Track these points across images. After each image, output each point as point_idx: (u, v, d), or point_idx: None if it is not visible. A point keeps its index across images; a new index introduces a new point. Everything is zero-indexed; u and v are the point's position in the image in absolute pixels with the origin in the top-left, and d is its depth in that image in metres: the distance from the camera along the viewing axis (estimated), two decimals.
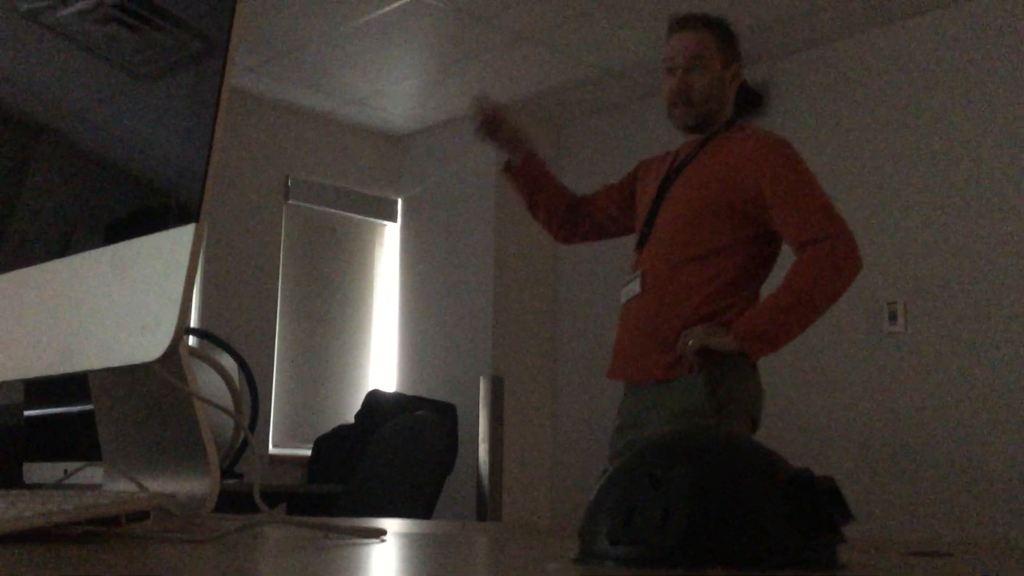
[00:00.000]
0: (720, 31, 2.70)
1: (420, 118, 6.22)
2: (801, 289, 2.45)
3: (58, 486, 1.15)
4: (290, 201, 6.07)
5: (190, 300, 0.79)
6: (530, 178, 2.93)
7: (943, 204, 4.56)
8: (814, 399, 4.84)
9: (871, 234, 4.78)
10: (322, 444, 5.62)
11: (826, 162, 4.99)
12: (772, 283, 2.59)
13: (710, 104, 2.66)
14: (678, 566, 0.57)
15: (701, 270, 2.55)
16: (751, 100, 5.22)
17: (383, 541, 0.80)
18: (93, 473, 1.48)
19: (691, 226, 2.57)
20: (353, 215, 6.36)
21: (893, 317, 4.63)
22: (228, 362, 3.22)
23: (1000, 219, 4.39)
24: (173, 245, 0.81)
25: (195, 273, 0.79)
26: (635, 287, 2.64)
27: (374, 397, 5.66)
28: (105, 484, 1.06)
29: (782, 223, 2.51)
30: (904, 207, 4.68)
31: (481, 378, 4.84)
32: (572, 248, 6.02)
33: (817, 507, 0.59)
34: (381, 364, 6.36)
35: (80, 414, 1.96)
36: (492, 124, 2.86)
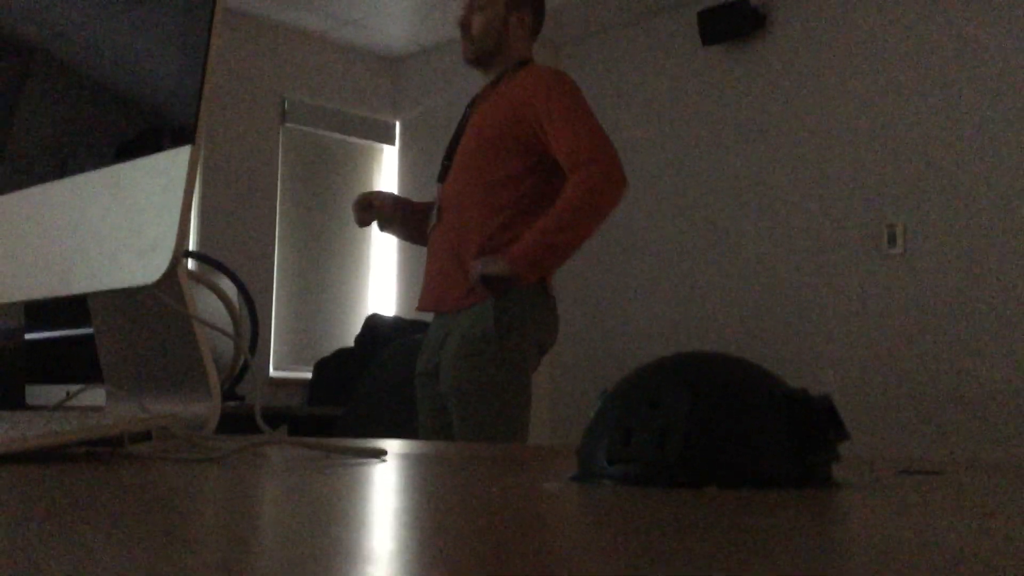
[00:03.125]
0: None
1: (418, 40, 6.15)
2: (565, 212, 2.60)
3: (60, 408, 1.16)
4: (287, 124, 6.03)
5: (188, 223, 0.78)
6: (407, 228, 3.03)
7: (941, 127, 4.53)
8: (813, 319, 4.86)
9: (870, 158, 4.76)
10: (322, 367, 5.65)
11: (825, 83, 4.94)
12: None
13: (486, 41, 2.85)
14: (675, 484, 0.57)
15: (491, 199, 2.71)
16: (753, 21, 5.16)
17: (384, 461, 0.81)
18: (95, 395, 1.49)
19: (481, 157, 2.75)
20: (351, 138, 6.32)
21: (892, 239, 4.63)
22: (227, 285, 3.23)
23: (998, 142, 4.37)
24: (170, 167, 0.80)
25: (192, 196, 0.78)
26: (434, 218, 2.85)
27: (374, 320, 5.69)
28: (107, 406, 1.07)
29: (556, 149, 2.67)
30: (902, 130, 4.65)
31: None
32: None
33: (813, 426, 0.59)
34: (380, 288, 6.37)
35: (81, 336, 1.96)
36: (376, 214, 2.94)
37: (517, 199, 2.72)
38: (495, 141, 2.74)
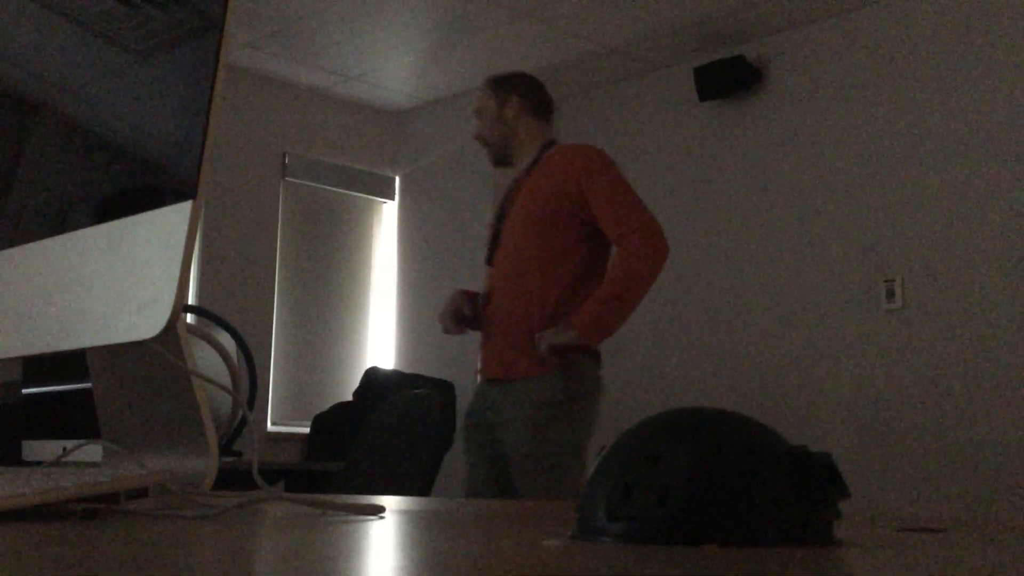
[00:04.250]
0: (493, 83, 3.28)
1: (418, 95, 6.20)
2: (618, 282, 2.90)
3: (57, 463, 1.15)
4: (287, 178, 6.06)
5: (188, 277, 0.78)
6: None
7: (940, 181, 4.56)
8: (812, 375, 4.85)
9: (867, 212, 4.78)
10: (320, 421, 5.63)
11: (822, 138, 4.98)
12: None
13: (496, 140, 3.22)
14: (676, 542, 0.57)
15: (549, 272, 2.98)
16: (749, 76, 5.21)
17: (382, 518, 0.80)
18: (92, 451, 1.49)
19: (534, 234, 3.00)
20: (351, 192, 6.35)
21: (891, 294, 4.63)
22: (226, 340, 3.22)
23: (997, 196, 4.39)
24: (170, 222, 0.81)
25: (192, 250, 0.79)
26: (482, 300, 3.14)
27: (372, 375, 5.67)
28: (104, 461, 1.07)
29: (601, 221, 2.95)
30: (899, 183, 4.68)
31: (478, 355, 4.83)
32: None
33: (814, 483, 0.59)
34: (379, 342, 6.36)
35: (78, 392, 1.96)
36: (461, 319, 3.20)
37: (572, 269, 2.99)
38: (545, 218, 2.98)
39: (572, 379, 2.95)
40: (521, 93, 3.23)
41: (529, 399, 2.93)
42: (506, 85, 3.25)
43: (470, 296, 3.20)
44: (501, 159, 3.26)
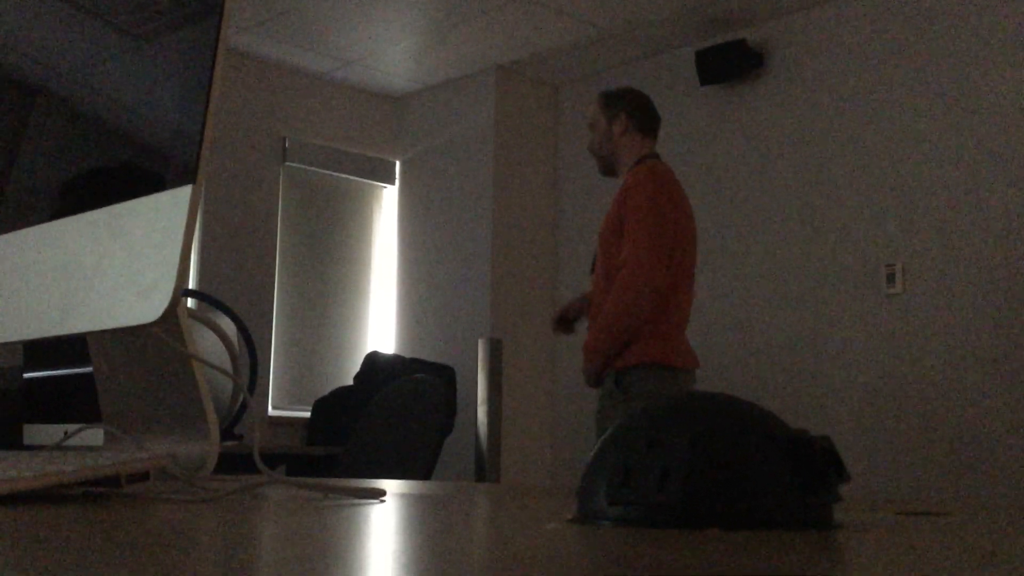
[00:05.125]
0: (604, 99, 3.62)
1: (418, 79, 6.19)
2: (610, 311, 3.29)
3: (58, 447, 1.15)
4: (288, 163, 6.05)
5: (188, 262, 0.78)
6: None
7: (941, 166, 4.55)
8: (812, 359, 4.85)
9: (868, 197, 4.77)
10: (321, 406, 5.64)
11: (823, 122, 4.97)
12: None
13: (604, 152, 3.56)
14: (675, 526, 0.57)
15: (610, 284, 3.32)
16: (750, 60, 5.19)
17: (383, 502, 0.80)
18: (93, 435, 1.49)
19: (606, 248, 3.39)
20: (351, 177, 6.35)
21: (891, 279, 4.63)
22: (227, 324, 3.23)
23: (998, 179, 4.38)
24: (171, 207, 0.81)
25: (193, 235, 0.79)
26: (590, 304, 3.52)
27: (373, 359, 5.68)
28: (105, 445, 1.07)
29: (624, 244, 3.31)
30: (900, 168, 4.67)
31: (480, 340, 4.85)
32: (572, 210, 6.02)
33: (814, 467, 0.59)
34: (380, 326, 6.36)
35: (79, 376, 1.96)
36: (566, 324, 3.69)
37: None
38: (611, 236, 3.35)
39: (625, 376, 3.40)
40: (629, 110, 3.54)
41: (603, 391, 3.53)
42: (617, 102, 3.57)
43: (579, 303, 3.66)
44: (608, 170, 3.59)
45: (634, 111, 3.53)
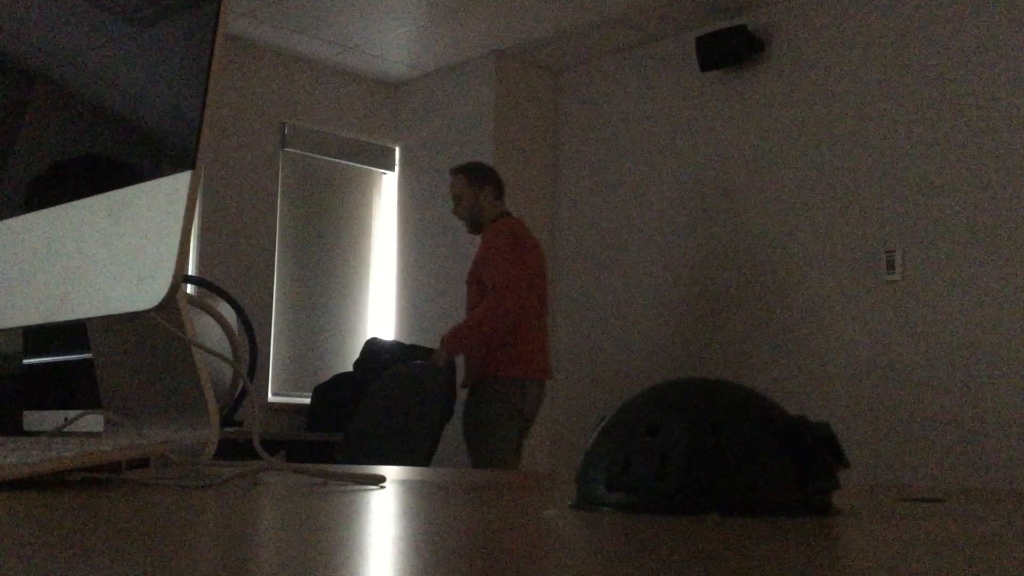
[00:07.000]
0: (467, 175, 4.52)
1: (417, 65, 6.18)
2: (468, 323, 4.29)
3: (58, 434, 1.15)
4: (287, 149, 6.04)
5: (187, 248, 0.78)
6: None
7: (940, 151, 4.55)
8: (812, 346, 4.86)
9: (868, 183, 4.77)
10: (321, 392, 5.64)
11: (823, 108, 4.97)
12: None
13: (471, 218, 4.52)
14: (675, 512, 0.57)
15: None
16: (750, 46, 5.18)
17: (382, 488, 0.81)
18: (93, 421, 1.49)
19: (473, 289, 4.40)
20: (351, 163, 6.34)
21: (891, 265, 4.63)
22: (226, 310, 3.22)
23: (997, 165, 4.38)
24: (170, 192, 0.80)
25: (192, 221, 0.79)
26: None
27: (373, 345, 5.68)
28: (105, 431, 1.07)
29: (485, 278, 4.29)
30: (900, 155, 4.67)
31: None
32: (571, 195, 6.01)
33: (813, 454, 0.59)
34: (379, 313, 6.37)
35: (80, 362, 1.96)
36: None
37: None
38: (474, 282, 4.38)
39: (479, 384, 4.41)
40: (490, 183, 4.51)
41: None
42: (480, 176, 4.49)
43: None
44: (476, 229, 4.51)
45: (493, 182, 4.51)
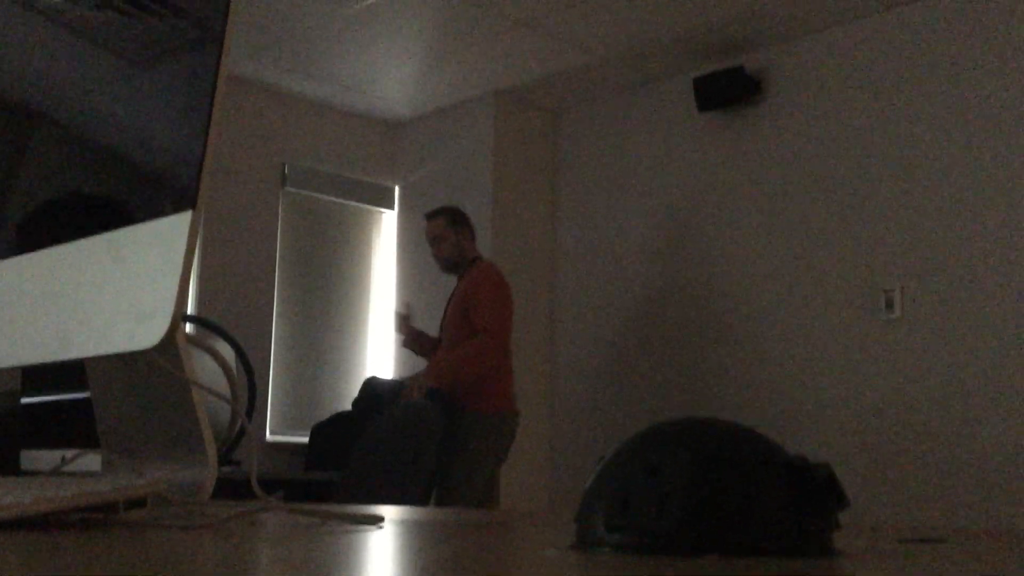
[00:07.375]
0: (447, 218, 4.73)
1: (417, 105, 6.21)
2: (457, 357, 4.47)
3: (55, 473, 1.15)
4: (287, 188, 6.06)
5: (187, 287, 0.79)
6: (422, 350, 4.89)
7: (938, 191, 4.56)
8: (811, 385, 4.85)
9: (866, 222, 4.78)
10: (319, 431, 5.62)
11: (821, 149, 4.99)
12: None
13: (451, 259, 4.73)
14: (675, 553, 0.57)
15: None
16: (748, 87, 5.22)
17: (381, 528, 0.80)
18: (90, 460, 1.49)
19: (455, 328, 4.58)
20: (351, 202, 6.36)
21: (890, 304, 4.63)
22: (225, 349, 3.22)
23: (996, 205, 4.39)
24: (170, 232, 0.81)
25: (192, 260, 0.79)
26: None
27: (371, 384, 5.66)
28: (102, 471, 1.07)
29: (475, 318, 4.50)
30: (898, 193, 4.69)
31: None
32: (570, 236, 6.02)
33: (813, 493, 0.59)
34: (378, 351, 6.36)
35: (77, 401, 1.96)
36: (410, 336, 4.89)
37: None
38: (459, 319, 4.54)
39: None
40: (468, 225, 4.76)
41: None
42: (458, 220, 4.72)
43: (423, 337, 4.85)
44: (453, 270, 4.73)
45: (469, 225, 4.76)
